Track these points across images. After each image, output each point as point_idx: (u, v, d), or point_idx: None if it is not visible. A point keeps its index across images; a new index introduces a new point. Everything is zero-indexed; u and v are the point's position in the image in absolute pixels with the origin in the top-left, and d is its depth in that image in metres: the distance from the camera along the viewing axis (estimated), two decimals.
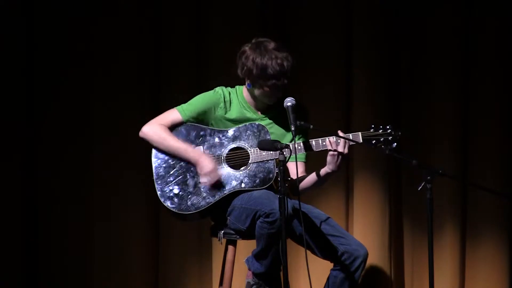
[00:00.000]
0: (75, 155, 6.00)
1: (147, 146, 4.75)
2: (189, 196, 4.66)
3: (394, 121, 5.84)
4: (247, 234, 4.64)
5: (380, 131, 4.66)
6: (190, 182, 4.68)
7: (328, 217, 4.71)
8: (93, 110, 6.01)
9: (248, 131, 4.71)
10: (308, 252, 4.59)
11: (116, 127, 5.98)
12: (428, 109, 5.97)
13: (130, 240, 6.00)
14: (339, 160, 4.59)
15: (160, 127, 4.71)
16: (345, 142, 4.57)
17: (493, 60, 5.92)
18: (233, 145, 4.71)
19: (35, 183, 5.99)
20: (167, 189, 4.68)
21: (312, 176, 4.70)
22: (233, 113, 4.75)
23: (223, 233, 4.71)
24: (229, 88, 4.80)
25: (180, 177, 4.69)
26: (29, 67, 5.98)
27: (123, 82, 6.00)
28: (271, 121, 4.77)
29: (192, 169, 4.69)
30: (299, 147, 4.64)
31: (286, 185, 4.34)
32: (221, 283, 4.78)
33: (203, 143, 4.73)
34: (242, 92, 4.79)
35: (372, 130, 4.67)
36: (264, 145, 4.54)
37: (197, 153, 4.68)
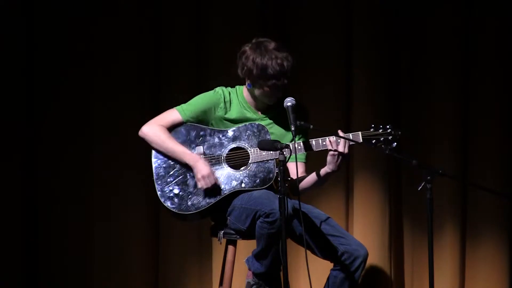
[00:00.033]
0: (75, 155, 6.00)
1: (147, 146, 4.75)
2: (189, 196, 4.66)
3: (394, 121, 5.84)
4: (247, 234, 4.64)
5: (380, 130, 4.66)
6: (190, 182, 4.68)
7: (328, 217, 4.71)
8: (93, 110, 6.00)
9: (248, 131, 4.71)
10: (308, 252, 4.59)
11: (116, 127, 5.98)
12: (428, 109, 5.97)
13: (130, 240, 5.99)
14: (339, 160, 4.59)
15: (159, 128, 4.71)
16: (345, 142, 4.57)
17: (493, 60, 5.92)
18: (233, 145, 4.71)
19: (35, 183, 5.99)
20: (167, 189, 4.68)
21: (312, 176, 4.70)
22: (233, 113, 4.75)
23: (223, 233, 4.71)
24: (229, 88, 4.80)
25: (180, 177, 4.69)
26: (29, 67, 5.98)
27: (123, 82, 6.00)
28: (271, 121, 4.77)
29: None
30: (299, 147, 4.64)
31: (286, 185, 4.34)
32: (221, 283, 4.78)
33: (203, 143, 4.73)
34: (242, 92, 4.79)
35: (372, 129, 4.67)
36: (264, 145, 4.54)
37: (194, 157, 4.68)
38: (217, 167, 4.69)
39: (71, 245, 5.99)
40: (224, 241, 4.76)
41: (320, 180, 4.68)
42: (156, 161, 4.72)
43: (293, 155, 4.54)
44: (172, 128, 4.74)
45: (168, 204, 4.67)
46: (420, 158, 5.56)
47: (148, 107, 5.96)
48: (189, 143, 4.73)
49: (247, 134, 4.71)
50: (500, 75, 5.92)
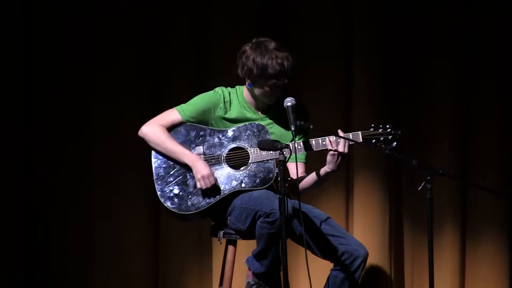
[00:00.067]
0: (75, 155, 6.00)
1: (147, 146, 4.75)
2: (189, 196, 4.66)
3: (394, 121, 5.83)
4: (247, 234, 4.64)
5: (380, 130, 4.66)
6: (190, 182, 4.68)
7: (328, 217, 4.71)
8: (93, 110, 6.00)
9: (247, 131, 4.71)
10: (308, 252, 4.59)
11: (116, 127, 5.98)
12: (428, 109, 5.97)
13: (130, 240, 5.99)
14: (339, 160, 4.59)
15: (159, 128, 4.71)
16: (345, 142, 4.57)
17: (493, 60, 5.92)
18: (233, 145, 4.71)
19: (35, 183, 5.99)
20: (167, 190, 4.68)
21: (312, 176, 4.70)
22: (233, 113, 4.75)
23: (223, 233, 4.71)
24: (229, 88, 4.80)
25: (180, 177, 4.69)
26: (29, 67, 5.98)
27: (123, 82, 6.00)
28: (271, 121, 4.77)
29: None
30: (299, 147, 4.64)
31: (286, 185, 4.34)
32: (221, 283, 4.78)
33: (202, 143, 4.73)
34: (242, 92, 4.79)
35: (372, 129, 4.67)
36: (264, 145, 4.54)
37: (193, 157, 4.68)
38: (217, 167, 4.69)
39: (71, 245, 5.99)
40: (224, 241, 4.76)
41: (320, 179, 4.68)
42: (156, 161, 4.72)
43: (293, 155, 4.54)
44: (171, 128, 4.74)
45: (168, 204, 4.67)
46: (420, 158, 5.56)
47: (148, 107, 5.96)
48: (189, 143, 4.73)
49: (247, 134, 4.71)
50: (500, 75, 5.92)
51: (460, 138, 5.95)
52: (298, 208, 4.43)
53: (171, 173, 4.69)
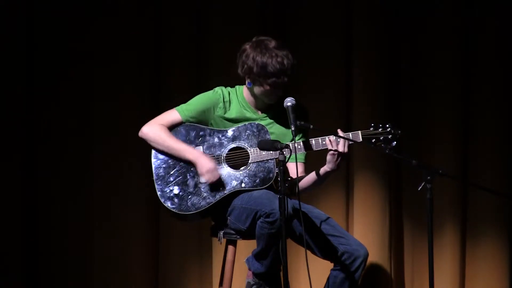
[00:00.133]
0: (75, 155, 6.00)
1: (147, 146, 4.75)
2: (189, 197, 4.66)
3: (394, 121, 5.82)
4: (247, 234, 4.64)
5: (380, 130, 4.66)
6: (190, 182, 4.68)
7: (328, 217, 4.71)
8: (93, 110, 6.00)
9: (247, 131, 4.71)
10: (308, 252, 4.59)
11: (116, 127, 5.98)
12: (428, 109, 5.97)
13: (130, 240, 5.99)
14: (339, 159, 4.59)
15: (159, 127, 4.71)
16: (345, 141, 4.57)
17: (493, 60, 5.92)
18: (232, 145, 4.71)
19: (35, 183, 5.99)
20: (167, 190, 4.68)
21: (312, 175, 4.69)
22: (232, 113, 4.75)
23: (223, 233, 4.71)
24: (229, 88, 4.80)
25: (180, 177, 4.69)
26: (29, 67, 5.98)
27: (123, 82, 6.00)
28: (271, 120, 4.77)
29: (192, 169, 4.69)
30: (299, 147, 4.64)
31: (286, 185, 4.34)
32: (221, 283, 4.78)
33: (202, 143, 4.73)
34: (242, 92, 4.79)
35: (371, 128, 4.67)
36: (264, 145, 4.54)
37: (196, 153, 4.68)
38: (217, 167, 4.68)
39: (71, 245, 5.99)
40: (224, 241, 4.76)
41: (320, 179, 4.68)
42: (155, 161, 4.72)
43: (293, 155, 4.54)
44: (171, 128, 4.74)
45: (168, 204, 4.66)
46: (420, 158, 5.57)
47: (148, 107, 5.96)
48: (189, 143, 4.73)
49: (246, 134, 4.71)
50: (500, 75, 5.92)
51: (460, 138, 5.96)
52: (298, 208, 4.42)
53: (171, 173, 4.69)
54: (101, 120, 6.00)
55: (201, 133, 4.73)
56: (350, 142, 4.59)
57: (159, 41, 6.04)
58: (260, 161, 4.66)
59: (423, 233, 5.91)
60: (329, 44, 5.97)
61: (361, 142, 4.65)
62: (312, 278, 4.48)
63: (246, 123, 4.72)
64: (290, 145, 4.54)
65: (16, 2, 5.92)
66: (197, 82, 5.98)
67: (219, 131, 4.73)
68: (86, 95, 6.00)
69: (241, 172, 4.66)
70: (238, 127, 4.72)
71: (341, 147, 4.57)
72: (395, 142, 4.65)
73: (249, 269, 4.65)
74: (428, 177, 4.32)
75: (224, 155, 4.70)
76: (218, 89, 4.78)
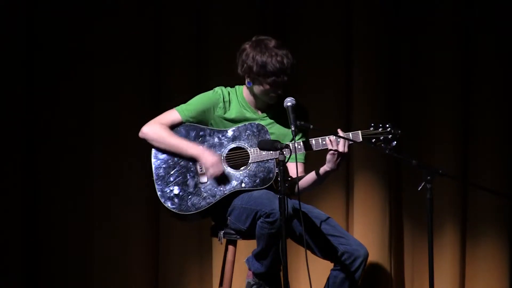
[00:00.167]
0: (75, 155, 6.00)
1: (147, 146, 4.75)
2: (189, 197, 4.66)
3: (394, 121, 5.83)
4: (247, 234, 4.64)
5: (380, 129, 4.66)
6: (190, 182, 4.68)
7: (328, 217, 4.71)
8: (93, 110, 6.00)
9: (247, 131, 4.71)
10: (308, 252, 4.59)
11: (116, 127, 5.98)
12: (428, 109, 5.97)
13: (130, 240, 5.99)
14: (338, 159, 4.59)
15: (160, 126, 4.71)
16: (345, 141, 4.57)
17: (493, 60, 5.92)
18: (232, 145, 4.71)
19: (35, 183, 5.99)
20: (167, 190, 4.68)
21: (311, 175, 4.69)
22: (232, 113, 4.75)
23: (223, 233, 4.71)
24: (228, 88, 4.80)
25: (180, 177, 4.69)
26: (29, 67, 5.98)
27: (123, 82, 6.00)
28: (271, 120, 4.77)
29: (192, 169, 4.69)
30: (299, 147, 4.64)
31: (286, 185, 4.34)
32: (221, 283, 4.77)
33: (202, 143, 4.73)
34: (242, 92, 4.79)
35: (372, 128, 4.67)
36: (264, 145, 4.54)
37: (199, 149, 4.67)
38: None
39: (71, 245, 5.99)
40: (224, 241, 4.76)
41: (319, 178, 4.67)
42: (155, 161, 4.72)
43: (292, 155, 4.54)
44: (171, 128, 4.74)
45: (168, 204, 4.66)
46: (420, 158, 5.57)
47: (148, 107, 5.96)
48: None
49: (246, 134, 4.71)
50: (500, 75, 5.92)
51: (460, 138, 5.96)
52: (298, 208, 4.42)
53: (171, 173, 4.69)
54: (101, 120, 5.99)
55: (201, 133, 4.73)
56: (350, 142, 4.59)
57: (159, 41, 6.03)
58: (260, 161, 4.66)
59: (423, 233, 5.91)
60: (329, 44, 5.97)
61: (361, 142, 4.65)
62: (312, 278, 4.48)
63: (246, 123, 4.72)
64: (290, 145, 4.54)
65: (16, 2, 5.92)
66: (197, 82, 5.97)
67: (219, 131, 4.73)
68: (86, 95, 6.00)
69: (241, 172, 4.66)
70: (238, 127, 4.72)
71: (341, 147, 4.57)
72: (395, 142, 4.65)
73: (249, 269, 4.65)
74: (428, 177, 4.32)
75: (224, 155, 4.70)
76: (218, 89, 4.78)
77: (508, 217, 5.92)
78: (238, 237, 4.69)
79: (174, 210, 4.66)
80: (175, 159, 4.70)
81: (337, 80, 5.98)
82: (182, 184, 4.67)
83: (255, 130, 4.70)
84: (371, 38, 5.92)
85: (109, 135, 5.99)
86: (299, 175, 4.65)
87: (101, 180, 5.99)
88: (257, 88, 4.68)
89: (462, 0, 5.93)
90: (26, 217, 5.96)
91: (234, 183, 4.66)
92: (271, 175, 4.64)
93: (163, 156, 4.71)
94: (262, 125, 4.70)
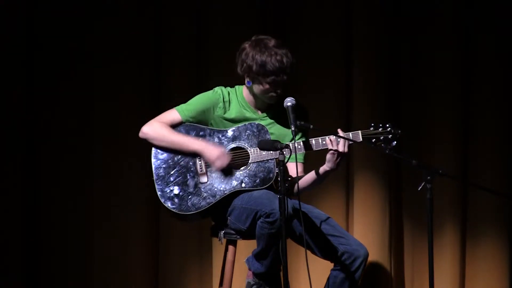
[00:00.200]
0: (75, 155, 6.00)
1: (147, 146, 4.75)
2: (189, 197, 4.66)
3: (394, 121, 5.83)
4: (247, 234, 4.63)
5: (380, 129, 4.66)
6: (190, 182, 4.68)
7: (328, 217, 4.71)
8: (93, 110, 6.00)
9: (247, 131, 4.71)
10: (308, 252, 4.59)
11: (116, 127, 5.98)
12: (428, 109, 5.97)
13: (130, 240, 5.99)
14: (338, 159, 4.59)
15: (160, 124, 4.71)
16: (345, 141, 4.57)
17: (493, 60, 5.92)
18: (232, 145, 4.71)
19: (35, 183, 5.99)
20: (167, 190, 4.68)
21: (311, 175, 4.69)
22: (232, 113, 4.75)
23: (223, 233, 4.71)
24: (228, 88, 4.80)
25: (180, 177, 4.69)
26: (29, 67, 5.98)
27: (123, 82, 6.00)
28: (271, 120, 4.76)
29: (192, 169, 4.69)
30: (299, 147, 4.64)
31: (286, 185, 4.34)
32: (221, 283, 4.77)
33: None
34: (242, 92, 4.79)
35: (372, 128, 4.67)
36: (264, 145, 4.54)
37: (201, 143, 4.67)
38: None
39: (71, 245, 5.99)
40: (224, 241, 4.76)
41: (319, 178, 4.67)
42: (156, 161, 4.71)
43: (292, 155, 4.54)
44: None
45: (168, 204, 4.66)
46: (420, 158, 5.57)
47: (148, 107, 5.96)
48: None
49: (246, 134, 4.71)
50: (500, 75, 5.92)
51: (460, 138, 5.96)
52: (298, 208, 4.42)
53: (171, 173, 4.69)
54: (101, 120, 5.99)
55: (201, 133, 4.73)
56: (350, 142, 4.59)
57: (159, 41, 6.03)
58: (260, 161, 4.66)
59: (423, 233, 5.91)
60: (329, 44, 5.97)
61: (361, 142, 4.65)
62: (312, 278, 4.48)
63: (246, 123, 4.72)
64: (290, 145, 4.54)
65: (16, 2, 5.92)
66: (197, 82, 5.97)
67: (219, 131, 4.73)
68: (86, 95, 6.00)
69: (241, 172, 4.66)
70: (238, 127, 4.72)
71: (341, 147, 4.57)
72: (395, 142, 4.65)
73: (249, 269, 4.65)
74: (428, 177, 4.32)
75: None
76: (217, 89, 4.78)
77: (508, 217, 5.92)
78: (238, 237, 4.69)
79: (174, 210, 4.66)
80: (175, 159, 4.70)
81: (337, 80, 5.99)
82: (182, 184, 4.67)
83: (255, 130, 4.70)
84: (371, 38, 5.92)
85: (109, 135, 5.99)
86: (298, 175, 4.66)
87: (101, 180, 5.99)
88: (256, 88, 4.68)
89: (462, 0, 5.93)
90: (26, 217, 5.96)
91: (234, 183, 4.66)
92: (271, 175, 4.64)
93: (163, 156, 4.71)
94: (262, 125, 4.70)
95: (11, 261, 5.92)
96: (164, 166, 4.70)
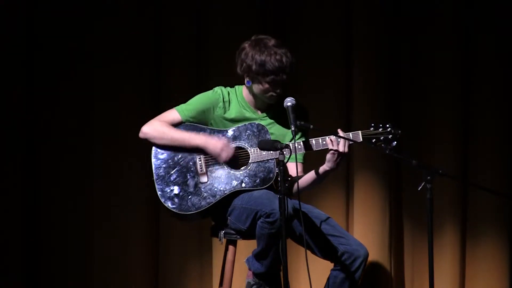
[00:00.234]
0: (75, 155, 6.00)
1: (147, 146, 4.75)
2: (190, 197, 4.66)
3: (394, 121, 5.83)
4: (247, 234, 4.63)
5: (380, 129, 4.66)
6: (191, 182, 4.68)
7: (328, 217, 4.71)
8: (93, 110, 6.00)
9: (247, 131, 4.71)
10: (308, 252, 4.59)
11: (116, 127, 5.98)
12: (428, 109, 5.97)
13: (130, 240, 5.99)
14: (338, 159, 4.59)
15: (160, 123, 4.71)
16: (345, 141, 4.57)
17: (493, 60, 5.92)
18: (232, 145, 4.71)
19: (35, 183, 5.99)
20: (167, 190, 4.68)
21: (311, 174, 4.69)
22: (232, 113, 4.75)
23: (223, 233, 4.71)
24: (228, 88, 4.80)
25: (180, 177, 4.69)
26: (29, 67, 5.98)
27: (123, 82, 6.00)
28: (271, 120, 4.76)
29: (192, 169, 4.69)
30: (299, 147, 4.64)
31: (286, 185, 4.34)
32: (221, 283, 4.77)
33: None
34: (241, 92, 4.79)
35: (372, 128, 4.67)
36: (264, 145, 4.54)
37: (203, 137, 4.67)
38: (217, 167, 4.68)
39: (71, 245, 5.99)
40: (224, 241, 4.76)
41: (319, 178, 4.67)
42: (156, 161, 4.71)
43: (292, 155, 4.54)
44: None
45: (168, 204, 4.66)
46: (420, 158, 5.57)
47: (148, 107, 5.96)
48: None
49: (247, 133, 4.71)
50: (500, 75, 5.92)
51: (460, 138, 5.96)
52: (298, 208, 4.42)
53: (171, 173, 4.69)
54: (101, 120, 6.00)
55: (201, 132, 4.73)
56: (350, 142, 4.59)
57: (159, 41, 6.04)
58: (260, 161, 4.66)
59: (423, 233, 5.91)
60: (329, 44, 5.97)
61: (361, 142, 4.65)
62: (312, 278, 4.48)
63: (246, 123, 4.72)
64: (290, 145, 4.54)
65: (16, 2, 5.92)
66: (197, 82, 5.98)
67: (219, 131, 4.73)
68: (86, 95, 6.00)
69: (241, 172, 4.66)
70: (238, 127, 4.72)
71: (342, 147, 4.57)
72: (395, 142, 4.65)
73: (249, 269, 4.65)
74: (428, 177, 4.32)
75: None
76: (217, 89, 4.78)
77: (508, 217, 5.92)
78: (238, 237, 4.69)
79: (174, 210, 4.66)
80: (176, 159, 4.70)
81: (337, 80, 5.99)
82: (182, 184, 4.67)
83: (255, 130, 4.70)
84: (371, 38, 5.92)
85: (109, 135, 5.99)
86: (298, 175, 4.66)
87: (101, 180, 5.99)
88: (256, 87, 4.68)
89: (462, 0, 5.93)
90: (26, 217, 5.96)
91: (234, 183, 4.66)
92: (271, 175, 4.64)
93: (163, 156, 4.71)
94: (262, 125, 4.71)
95: (11, 261, 5.92)
96: (164, 166, 4.70)
